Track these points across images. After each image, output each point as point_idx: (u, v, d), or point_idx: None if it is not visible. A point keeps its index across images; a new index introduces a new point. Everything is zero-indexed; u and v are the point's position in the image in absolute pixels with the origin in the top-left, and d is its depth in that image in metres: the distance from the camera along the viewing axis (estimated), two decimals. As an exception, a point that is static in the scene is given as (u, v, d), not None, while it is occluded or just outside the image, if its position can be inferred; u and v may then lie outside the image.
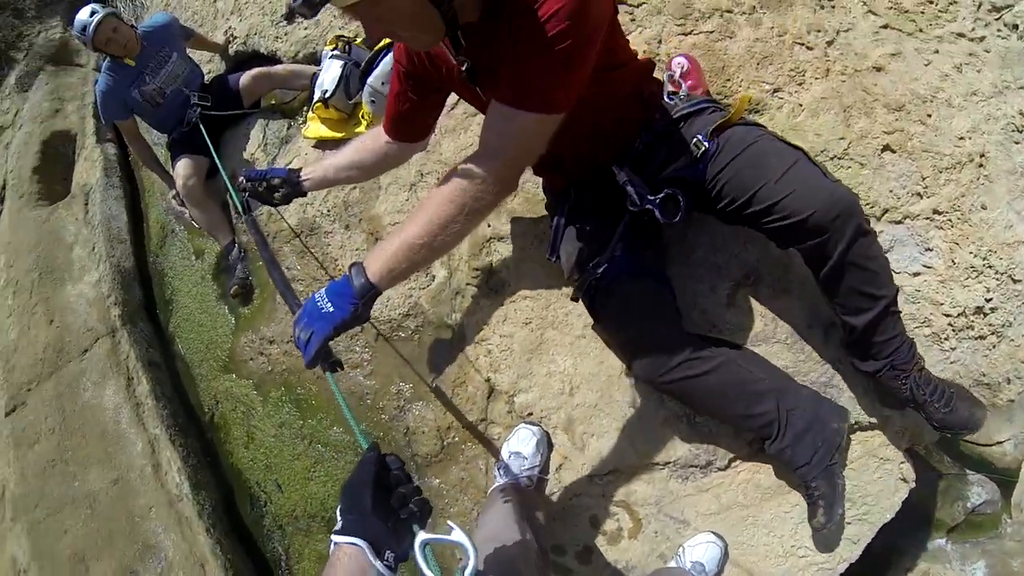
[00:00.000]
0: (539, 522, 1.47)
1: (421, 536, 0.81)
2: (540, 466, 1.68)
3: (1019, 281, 1.75)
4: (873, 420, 1.71)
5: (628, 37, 1.54)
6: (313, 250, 2.35)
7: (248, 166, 2.73)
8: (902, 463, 1.76)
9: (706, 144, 1.38)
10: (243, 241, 2.64)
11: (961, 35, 1.87)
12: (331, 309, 1.10)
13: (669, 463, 1.70)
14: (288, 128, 2.76)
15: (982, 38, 1.88)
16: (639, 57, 1.48)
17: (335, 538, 0.79)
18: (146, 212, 3.07)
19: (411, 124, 1.53)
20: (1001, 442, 3.42)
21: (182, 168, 2.66)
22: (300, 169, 1.69)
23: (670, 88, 1.54)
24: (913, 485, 1.80)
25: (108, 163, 3.18)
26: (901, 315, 1.51)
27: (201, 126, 2.63)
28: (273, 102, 2.90)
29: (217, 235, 2.65)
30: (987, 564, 3.29)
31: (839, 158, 1.77)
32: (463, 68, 1.21)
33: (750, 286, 1.68)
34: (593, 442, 1.75)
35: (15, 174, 3.32)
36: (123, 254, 2.84)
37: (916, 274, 1.72)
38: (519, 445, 1.71)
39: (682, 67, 1.80)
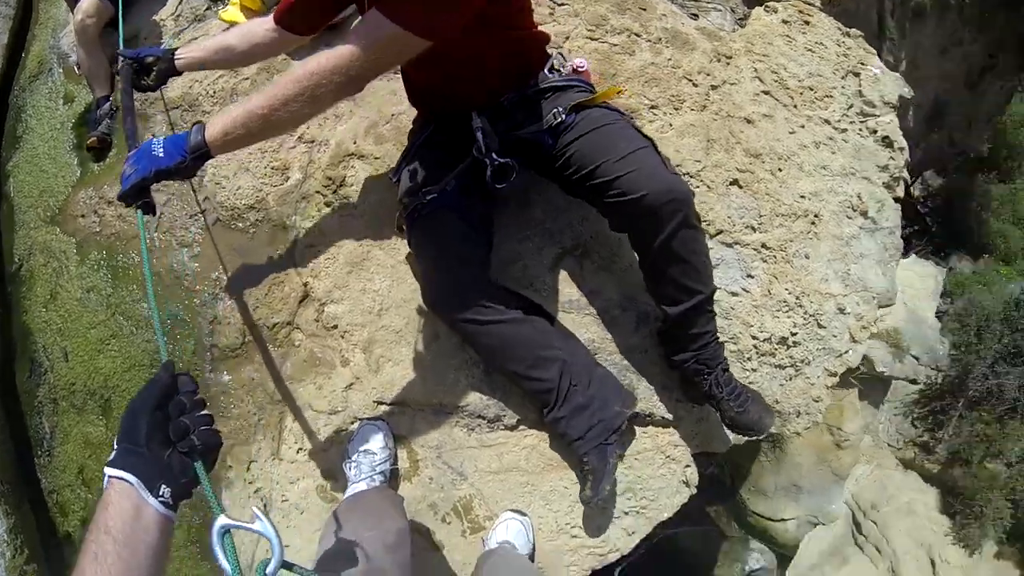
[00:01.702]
0: (402, 517, 1.39)
1: (221, 521, 0.72)
2: (391, 459, 1.61)
3: (824, 328, 1.87)
4: (667, 416, 1.73)
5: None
6: (183, 126, 2.21)
7: (155, 29, 2.57)
8: (687, 466, 1.78)
9: (563, 116, 1.43)
10: (117, 99, 2.46)
11: (827, 122, 2.08)
12: (161, 155, 1.19)
13: (457, 408, 1.66)
14: (207, 7, 2.61)
15: (844, 130, 2.10)
16: (538, 30, 1.54)
17: (106, 470, 0.71)
18: (29, 43, 2.81)
19: (303, 16, 1.54)
20: (785, 520, 3.64)
21: (86, 5, 2.46)
22: (173, 49, 1.65)
23: (554, 63, 1.56)
24: (694, 491, 1.80)
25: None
26: (715, 317, 1.55)
27: (119, -28, 2.44)
28: (203, -24, 2.73)
29: (95, 85, 2.44)
30: None
31: (691, 176, 1.84)
32: None
33: (576, 256, 1.68)
34: (388, 368, 1.68)
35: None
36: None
37: (734, 294, 1.79)
38: (366, 442, 1.61)
39: (582, 66, 1.81)
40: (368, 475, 1.56)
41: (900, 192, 2.10)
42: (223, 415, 1.84)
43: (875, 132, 2.16)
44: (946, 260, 5.20)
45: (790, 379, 1.82)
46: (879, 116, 2.17)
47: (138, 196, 1.25)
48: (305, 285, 1.80)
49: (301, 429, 1.72)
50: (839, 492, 3.60)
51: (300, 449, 1.71)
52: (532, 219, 1.70)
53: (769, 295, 1.79)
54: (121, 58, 1.64)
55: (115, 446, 0.74)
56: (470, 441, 1.67)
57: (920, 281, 3.62)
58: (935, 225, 6.06)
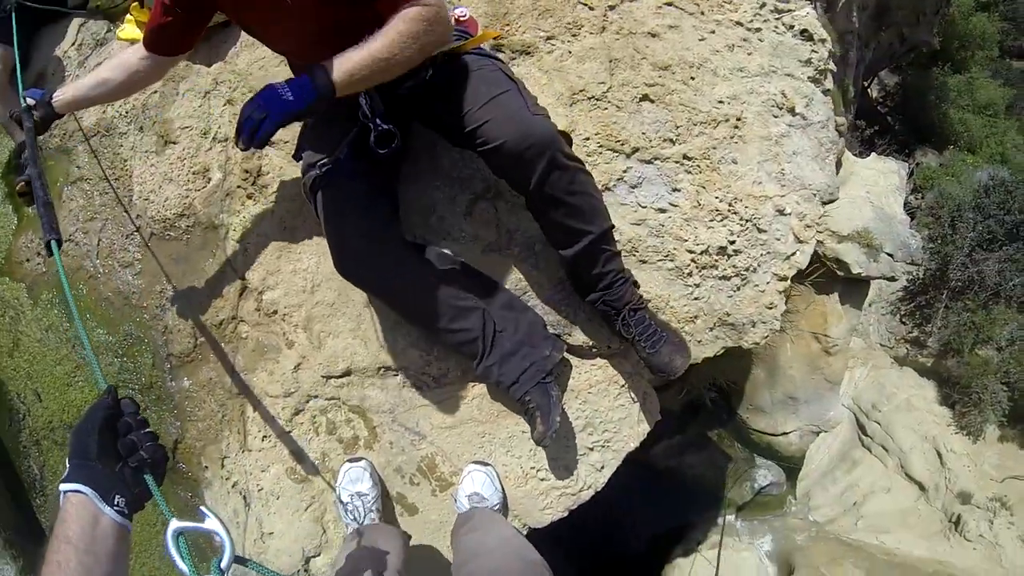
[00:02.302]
0: (401, 554, 1.43)
1: (173, 525, 0.75)
2: (379, 495, 1.64)
3: (764, 231, 1.83)
4: (611, 346, 1.72)
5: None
6: (105, 151, 2.23)
7: (58, 65, 2.58)
8: (646, 393, 1.78)
9: (430, 69, 1.40)
10: (42, 138, 2.48)
11: (739, 23, 1.99)
12: (290, 98, 1.16)
13: (402, 369, 1.69)
14: (107, 31, 2.61)
15: (758, 29, 2.01)
16: None
17: (61, 487, 0.74)
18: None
19: (171, 38, 1.50)
20: (787, 433, 3.67)
21: None
22: (51, 92, 1.60)
23: None
24: (659, 418, 1.83)
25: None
26: (618, 254, 1.54)
27: (14, 16, 2.45)
28: (99, 3, 2.73)
29: (13, 131, 2.47)
30: (773, 539, 3.51)
31: (596, 99, 1.81)
32: None
33: (489, 199, 1.69)
34: (330, 341, 1.71)
35: None
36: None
37: (662, 210, 1.77)
38: (355, 484, 1.64)
39: (463, 15, 1.79)
40: (365, 515, 1.60)
41: (829, 84, 2.04)
42: (190, 419, 1.89)
43: (792, 27, 2.09)
44: (912, 157, 5.15)
45: (737, 289, 1.80)
46: (794, 10, 2.09)
47: (268, 141, 1.22)
48: (242, 279, 1.83)
49: (261, 417, 1.76)
50: (835, 398, 3.62)
51: (265, 436, 1.76)
52: (440, 169, 1.70)
53: (699, 206, 1.77)
54: (23, 103, 1.58)
55: (67, 464, 0.77)
56: (421, 400, 1.70)
57: (883, 178, 3.59)
58: (896, 123, 5.99)
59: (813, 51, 2.06)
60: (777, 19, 2.10)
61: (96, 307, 2.09)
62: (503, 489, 1.66)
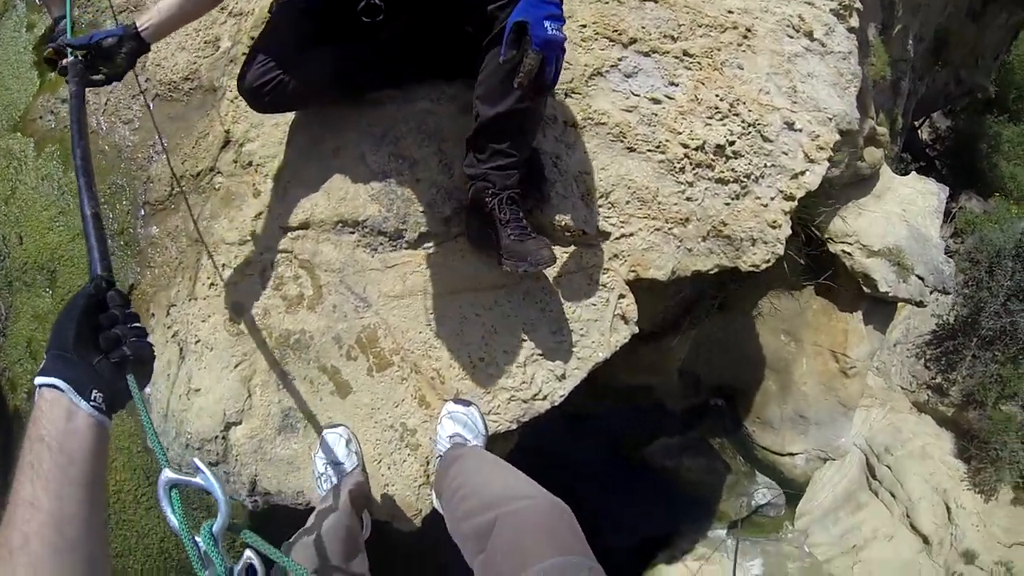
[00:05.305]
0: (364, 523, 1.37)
1: (165, 475, 0.69)
2: (358, 464, 1.54)
3: (770, 141, 1.72)
4: (585, 229, 1.60)
5: None
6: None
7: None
8: (622, 296, 1.64)
9: None
10: (74, 15, 2.58)
11: None
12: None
13: (359, 224, 1.61)
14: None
15: None
16: None
17: (36, 380, 0.69)
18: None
19: None
20: (794, 454, 3.38)
21: None
22: (133, 23, 1.38)
23: None
24: (636, 330, 1.64)
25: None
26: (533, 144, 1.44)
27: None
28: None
29: (51, 6, 2.60)
30: (764, 563, 3.20)
31: None
32: None
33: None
34: (293, 190, 1.66)
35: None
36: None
37: (656, 101, 1.69)
38: (332, 453, 1.53)
39: None
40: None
41: (854, 22, 1.95)
42: (150, 265, 1.86)
43: None
44: (955, 200, 4.91)
45: (736, 197, 1.67)
46: None
47: None
48: (227, 132, 1.82)
49: (213, 265, 1.71)
50: (847, 424, 3.33)
51: (212, 284, 1.70)
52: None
53: (697, 101, 1.67)
54: (68, 52, 1.33)
55: (44, 355, 0.72)
56: (373, 263, 1.61)
57: (922, 198, 3.38)
58: (944, 167, 5.75)
59: (838, -14, 1.96)
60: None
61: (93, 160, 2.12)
62: (486, 429, 1.52)
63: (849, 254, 3.27)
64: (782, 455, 3.36)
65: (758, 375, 3.38)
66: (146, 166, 1.97)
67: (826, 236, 3.27)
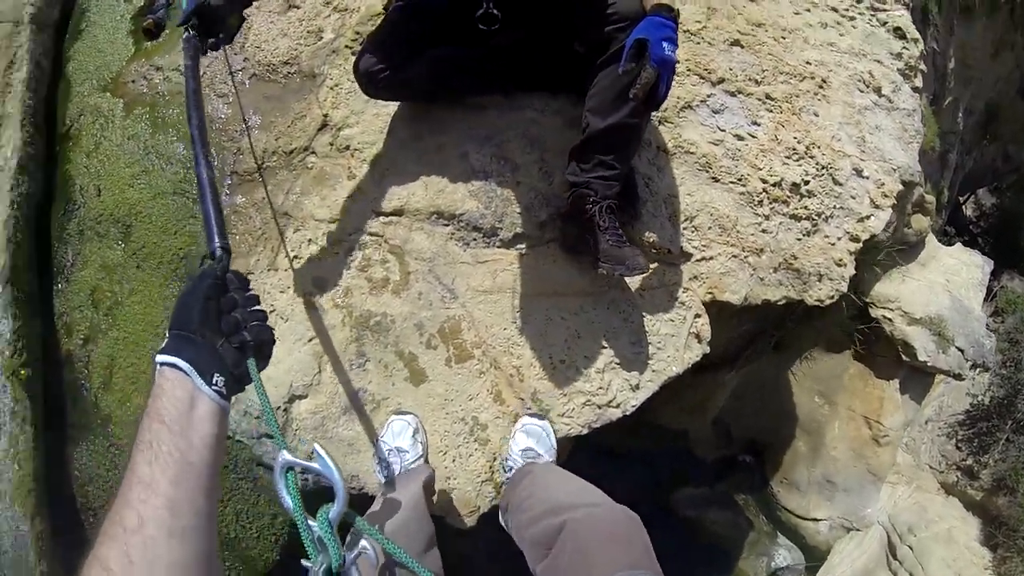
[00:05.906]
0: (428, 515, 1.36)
1: (283, 458, 0.69)
2: (423, 455, 1.54)
3: (840, 184, 1.79)
4: (670, 248, 1.63)
5: None
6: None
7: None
8: (698, 315, 1.66)
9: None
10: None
11: (834, 9, 2.06)
12: None
13: (454, 218, 1.63)
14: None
15: (852, 18, 2.07)
16: None
17: (158, 357, 0.69)
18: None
19: None
20: (818, 519, 3.30)
21: None
22: None
23: None
24: (707, 350, 1.67)
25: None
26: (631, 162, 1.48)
27: None
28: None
29: (149, -23, 2.69)
30: None
31: (691, 33, 1.85)
32: None
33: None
34: (390, 178, 1.69)
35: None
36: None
37: (739, 137, 1.76)
38: (397, 439, 1.53)
39: None
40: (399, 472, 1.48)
41: (918, 83, 2.03)
42: (231, 232, 1.87)
43: (885, 24, 2.10)
44: (997, 278, 4.90)
45: (808, 234, 1.72)
46: (889, 10, 2.12)
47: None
48: (325, 116, 1.86)
49: (299, 239, 1.72)
50: (875, 494, 3.26)
51: (296, 257, 1.71)
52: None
53: (777, 141, 1.75)
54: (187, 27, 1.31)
55: (167, 334, 0.72)
56: (464, 256, 1.63)
57: (966, 270, 3.40)
58: (987, 245, 5.76)
59: (905, 48, 2.09)
60: (872, 14, 2.13)
61: (182, 124, 2.17)
62: (556, 445, 1.51)
63: (890, 320, 3.26)
64: (806, 519, 3.29)
65: (789, 434, 3.34)
66: (237, 138, 2.00)
67: (868, 300, 3.27)
